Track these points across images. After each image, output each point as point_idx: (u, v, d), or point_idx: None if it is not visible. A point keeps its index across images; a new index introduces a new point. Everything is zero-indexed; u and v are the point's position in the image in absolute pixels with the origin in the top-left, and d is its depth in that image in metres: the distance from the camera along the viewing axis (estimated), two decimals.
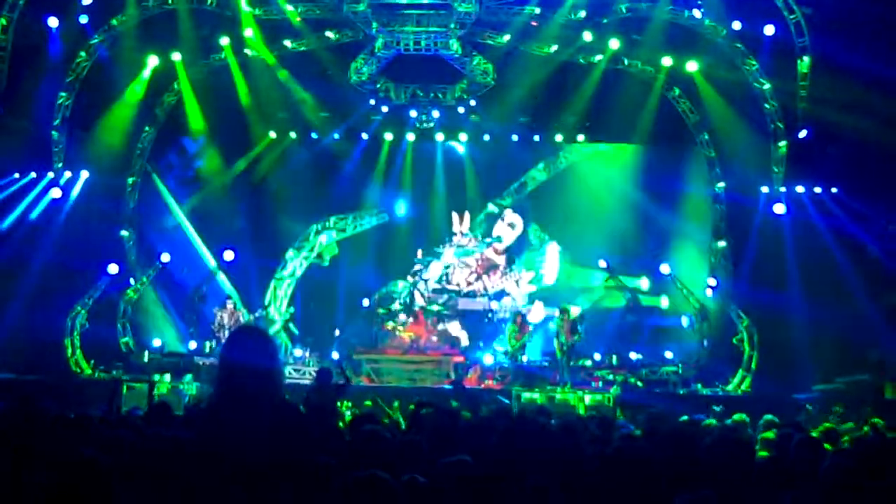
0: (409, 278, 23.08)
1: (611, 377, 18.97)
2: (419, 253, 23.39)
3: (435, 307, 22.36)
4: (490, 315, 22.63)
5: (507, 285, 23.31)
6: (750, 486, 5.27)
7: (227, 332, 19.63)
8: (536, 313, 22.43)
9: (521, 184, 24.05)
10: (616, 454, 5.04)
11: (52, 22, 18.39)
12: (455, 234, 23.63)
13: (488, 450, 5.36)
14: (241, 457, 3.95)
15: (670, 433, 7.81)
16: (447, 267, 23.57)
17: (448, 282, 23.45)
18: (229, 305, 20.18)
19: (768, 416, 10.12)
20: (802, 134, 18.87)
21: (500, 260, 23.58)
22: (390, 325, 21.36)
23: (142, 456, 4.84)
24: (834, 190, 19.82)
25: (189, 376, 18.12)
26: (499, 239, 23.67)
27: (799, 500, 5.06)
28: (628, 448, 5.25)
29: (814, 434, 8.09)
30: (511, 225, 23.83)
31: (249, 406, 4.12)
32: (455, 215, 23.60)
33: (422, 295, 22.67)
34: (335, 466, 4.36)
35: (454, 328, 22.26)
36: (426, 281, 23.06)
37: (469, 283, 23.37)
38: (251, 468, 3.92)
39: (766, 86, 19.23)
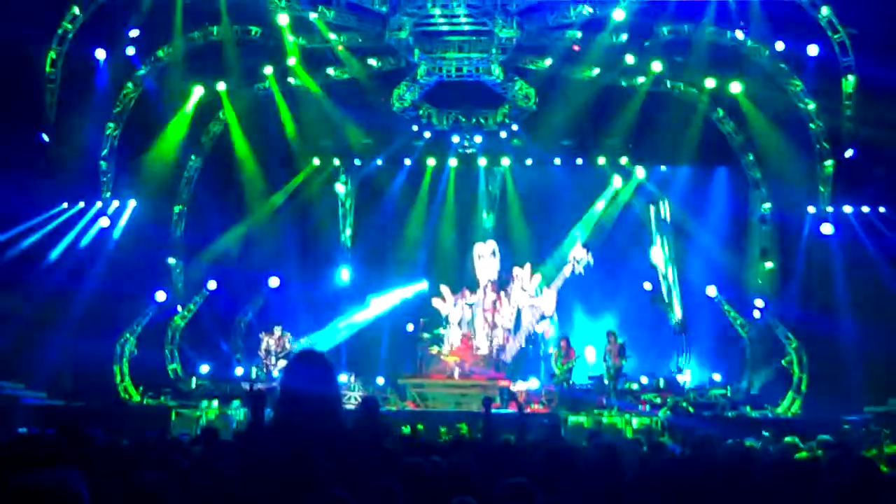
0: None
1: (658, 400, 18.81)
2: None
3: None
4: (534, 337, 22.36)
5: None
6: None
7: (274, 359, 19.77)
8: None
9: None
10: (665, 474, 5.02)
11: (100, 54, 18.82)
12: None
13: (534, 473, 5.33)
14: (302, 479, 3.96)
15: (720, 454, 7.77)
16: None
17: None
18: (276, 331, 20.29)
19: (822, 437, 10.02)
20: (849, 153, 18.71)
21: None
22: (435, 349, 21.30)
23: (195, 478, 4.86)
24: (882, 209, 19.62)
25: (237, 402, 18.22)
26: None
27: None
28: (676, 468, 5.23)
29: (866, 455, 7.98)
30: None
31: (309, 431, 4.12)
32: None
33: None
34: (396, 490, 4.37)
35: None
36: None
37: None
38: (309, 490, 3.92)
39: (811, 105, 19.10)
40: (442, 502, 4.54)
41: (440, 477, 5.50)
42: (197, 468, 5.20)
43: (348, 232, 24.01)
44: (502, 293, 22.59)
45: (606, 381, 18.66)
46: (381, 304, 22.78)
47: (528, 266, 22.67)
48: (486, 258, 22.96)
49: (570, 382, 19.59)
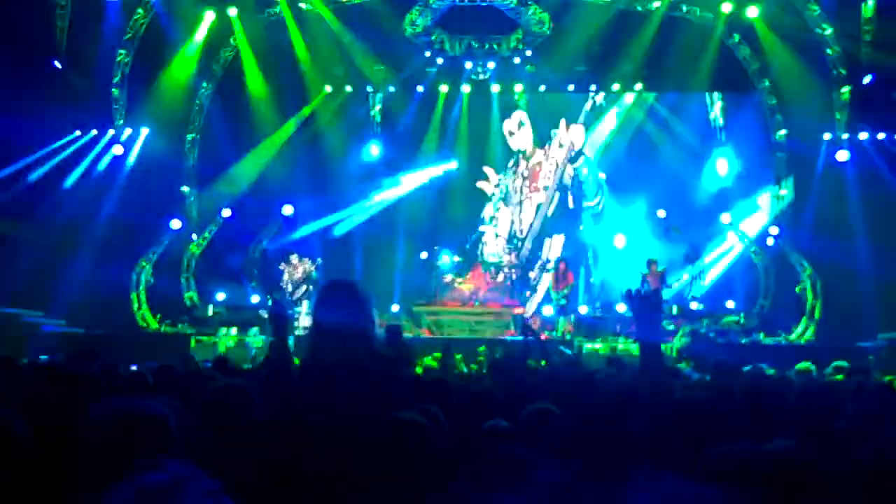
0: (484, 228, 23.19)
1: (672, 327, 18.91)
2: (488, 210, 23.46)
3: (493, 258, 22.43)
4: (546, 264, 22.58)
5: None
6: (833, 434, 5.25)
7: (292, 287, 19.94)
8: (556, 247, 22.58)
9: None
10: (687, 399, 5.06)
11: None
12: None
13: (565, 398, 5.38)
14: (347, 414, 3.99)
15: (741, 380, 7.83)
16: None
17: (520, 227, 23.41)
18: (293, 260, 20.35)
19: (838, 362, 10.07)
20: (867, 79, 18.54)
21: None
22: (449, 277, 21.39)
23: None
24: None
25: (255, 329, 18.38)
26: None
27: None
28: (698, 394, 5.28)
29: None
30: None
31: (346, 365, 4.14)
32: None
33: (484, 246, 22.78)
34: (437, 415, 4.40)
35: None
36: (497, 235, 23.09)
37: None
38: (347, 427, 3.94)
39: (828, 31, 18.90)
40: (476, 425, 4.62)
41: (470, 402, 5.57)
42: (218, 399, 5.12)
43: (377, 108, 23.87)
44: (542, 151, 23.34)
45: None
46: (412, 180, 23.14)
47: (562, 122, 23.26)
48: (515, 133, 23.42)
49: (583, 309, 19.75)
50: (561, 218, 23.20)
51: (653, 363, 4.65)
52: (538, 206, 23.17)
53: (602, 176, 23.02)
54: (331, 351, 4.22)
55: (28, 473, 2.73)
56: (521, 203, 23.28)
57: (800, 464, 2.95)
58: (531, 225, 23.16)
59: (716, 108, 22.44)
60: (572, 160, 23.09)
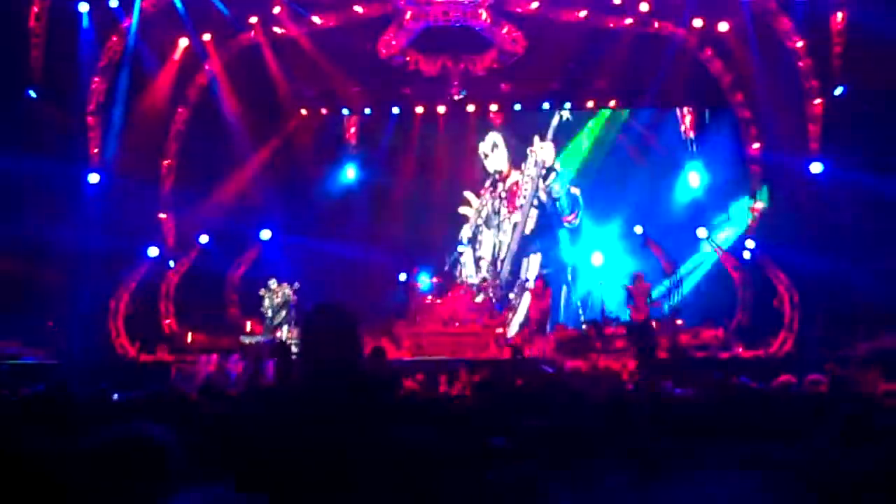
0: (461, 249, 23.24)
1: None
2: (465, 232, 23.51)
3: (471, 280, 22.53)
4: (525, 283, 22.70)
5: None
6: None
7: (272, 312, 19.90)
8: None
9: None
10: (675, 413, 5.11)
11: (83, 7, 18.51)
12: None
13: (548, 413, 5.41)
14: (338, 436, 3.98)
15: (726, 393, 7.88)
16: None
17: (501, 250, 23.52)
18: (272, 285, 20.30)
19: (816, 374, 10.15)
20: (838, 91, 18.74)
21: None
22: (428, 298, 21.39)
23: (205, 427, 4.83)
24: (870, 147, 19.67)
25: (235, 356, 18.28)
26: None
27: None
28: (685, 408, 5.33)
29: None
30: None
31: (334, 388, 4.14)
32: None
33: (463, 267, 22.88)
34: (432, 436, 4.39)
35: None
36: (480, 258, 23.18)
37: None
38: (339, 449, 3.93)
39: (800, 43, 19.07)
40: (475, 444, 4.62)
41: (459, 422, 5.58)
42: (210, 423, 5.18)
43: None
44: (518, 171, 23.64)
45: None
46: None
47: (535, 139, 23.53)
48: (490, 155, 23.71)
49: (560, 326, 19.84)
50: (538, 236, 23.29)
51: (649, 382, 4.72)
52: (514, 225, 23.29)
53: (576, 191, 23.16)
54: (319, 374, 4.22)
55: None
56: (499, 225, 23.38)
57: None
58: (508, 245, 23.26)
59: (688, 121, 22.66)
60: (544, 178, 23.22)
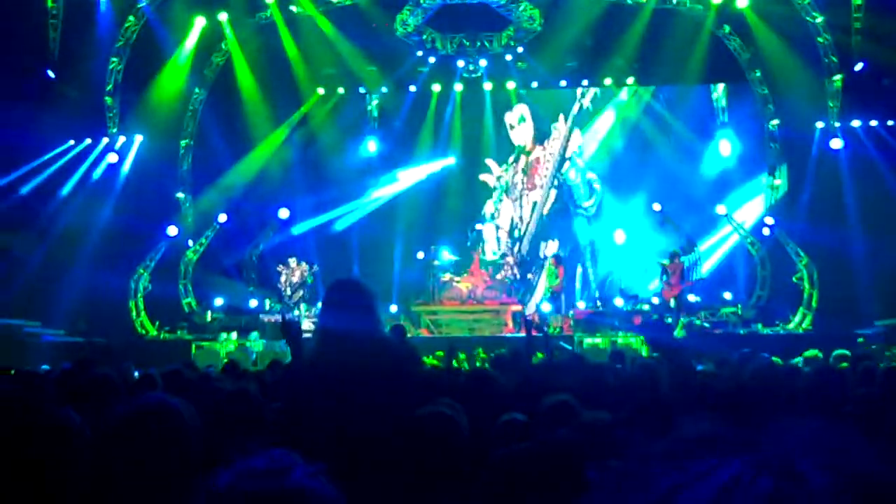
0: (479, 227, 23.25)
1: (670, 320, 18.91)
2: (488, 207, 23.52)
3: (492, 257, 22.51)
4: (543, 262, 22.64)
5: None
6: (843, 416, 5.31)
7: (290, 290, 19.93)
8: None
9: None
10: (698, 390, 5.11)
11: None
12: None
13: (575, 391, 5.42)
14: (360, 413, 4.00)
15: (747, 370, 7.87)
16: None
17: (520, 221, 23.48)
18: (292, 263, 20.32)
19: (839, 351, 10.16)
20: (858, 67, 18.62)
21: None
22: (447, 276, 21.38)
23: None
24: (891, 123, 19.57)
25: (255, 334, 18.39)
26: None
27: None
28: (707, 384, 5.33)
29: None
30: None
31: (357, 364, 4.16)
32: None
33: (484, 244, 22.84)
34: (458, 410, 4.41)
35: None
36: (499, 228, 23.16)
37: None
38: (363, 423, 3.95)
39: (819, 19, 18.94)
40: (491, 419, 4.64)
41: (481, 397, 5.59)
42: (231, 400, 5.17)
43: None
44: (542, 147, 23.41)
45: (673, 306, 18.78)
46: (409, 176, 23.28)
47: (561, 118, 23.24)
48: (516, 127, 23.48)
49: (581, 304, 19.83)
50: (556, 219, 23.17)
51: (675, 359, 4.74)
52: (534, 205, 23.18)
53: (592, 176, 23.02)
54: (340, 350, 4.25)
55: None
56: (520, 198, 23.30)
57: None
58: (527, 224, 23.17)
59: (719, 89, 22.48)
60: (559, 165, 23.06)
